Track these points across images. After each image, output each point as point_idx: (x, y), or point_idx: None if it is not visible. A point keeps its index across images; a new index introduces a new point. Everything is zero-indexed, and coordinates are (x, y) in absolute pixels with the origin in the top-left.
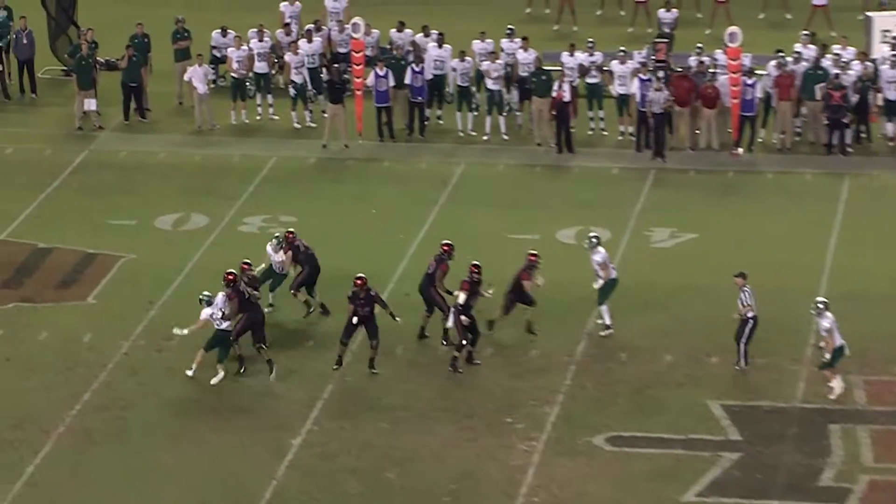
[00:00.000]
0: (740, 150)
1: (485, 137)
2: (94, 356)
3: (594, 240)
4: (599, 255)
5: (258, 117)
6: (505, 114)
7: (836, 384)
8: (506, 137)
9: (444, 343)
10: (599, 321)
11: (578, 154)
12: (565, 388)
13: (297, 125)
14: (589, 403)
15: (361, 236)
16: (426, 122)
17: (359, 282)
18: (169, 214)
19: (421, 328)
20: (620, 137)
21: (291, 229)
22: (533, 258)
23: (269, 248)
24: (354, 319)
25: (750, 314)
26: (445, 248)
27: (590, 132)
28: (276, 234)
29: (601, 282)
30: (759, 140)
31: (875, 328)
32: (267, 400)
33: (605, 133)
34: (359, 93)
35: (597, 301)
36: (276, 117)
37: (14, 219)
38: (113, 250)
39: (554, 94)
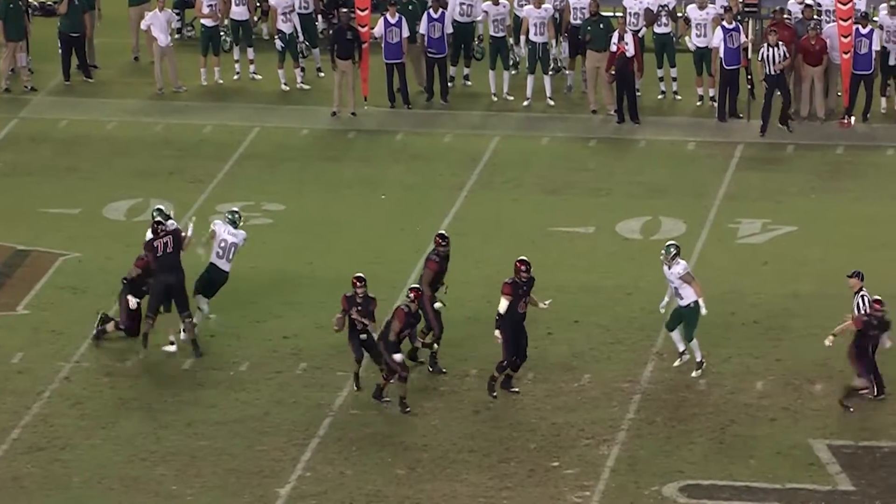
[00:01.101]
0: (853, 119)
1: (525, 103)
2: (25, 382)
3: (673, 249)
4: (681, 266)
5: (236, 77)
6: (551, 73)
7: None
8: (551, 103)
9: (431, 369)
10: (678, 360)
11: (645, 124)
12: (628, 423)
13: (285, 87)
14: (658, 443)
15: (367, 230)
16: (450, 84)
17: (357, 282)
18: (122, 201)
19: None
20: (699, 103)
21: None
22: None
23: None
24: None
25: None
26: (438, 240)
27: (660, 96)
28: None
29: (687, 302)
30: (882, 110)
31: None
32: (247, 437)
33: (679, 98)
34: (365, 45)
35: (685, 332)
36: (259, 77)
37: None
38: (50, 247)
39: (614, 47)
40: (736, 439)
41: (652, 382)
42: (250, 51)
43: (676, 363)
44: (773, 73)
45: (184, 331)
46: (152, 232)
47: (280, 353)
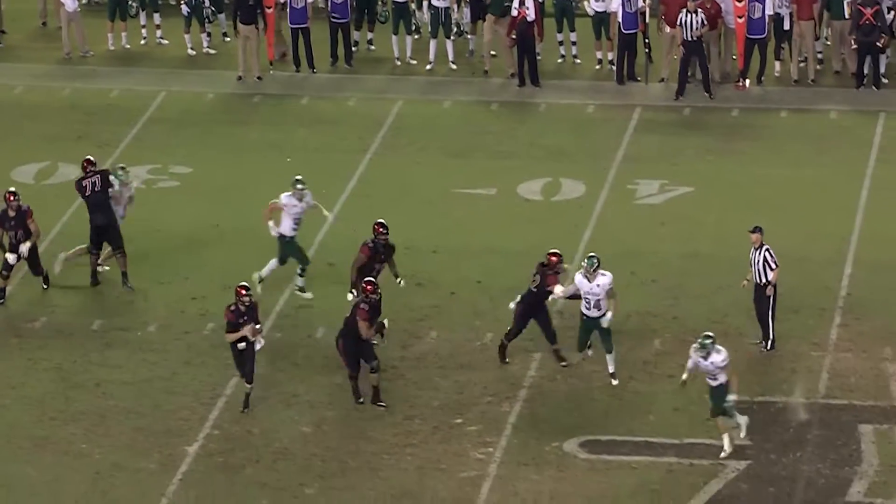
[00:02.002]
0: (747, 82)
1: (428, 67)
2: None
3: (595, 261)
4: (606, 278)
5: (143, 41)
6: (453, 37)
7: (727, 441)
8: (454, 67)
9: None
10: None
11: (545, 88)
12: (529, 380)
13: (191, 52)
14: (558, 400)
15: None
16: (354, 49)
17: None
18: (30, 164)
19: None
20: (598, 67)
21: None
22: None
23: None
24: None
25: (773, 278)
26: (377, 228)
27: (560, 60)
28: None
29: (610, 315)
30: (776, 74)
31: None
32: (155, 397)
33: (579, 62)
34: (269, 10)
35: (605, 345)
36: (166, 41)
37: None
38: None
39: (515, 12)
40: (635, 396)
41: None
42: (157, 16)
43: (612, 381)
44: (691, 38)
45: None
46: (81, 170)
47: (187, 315)
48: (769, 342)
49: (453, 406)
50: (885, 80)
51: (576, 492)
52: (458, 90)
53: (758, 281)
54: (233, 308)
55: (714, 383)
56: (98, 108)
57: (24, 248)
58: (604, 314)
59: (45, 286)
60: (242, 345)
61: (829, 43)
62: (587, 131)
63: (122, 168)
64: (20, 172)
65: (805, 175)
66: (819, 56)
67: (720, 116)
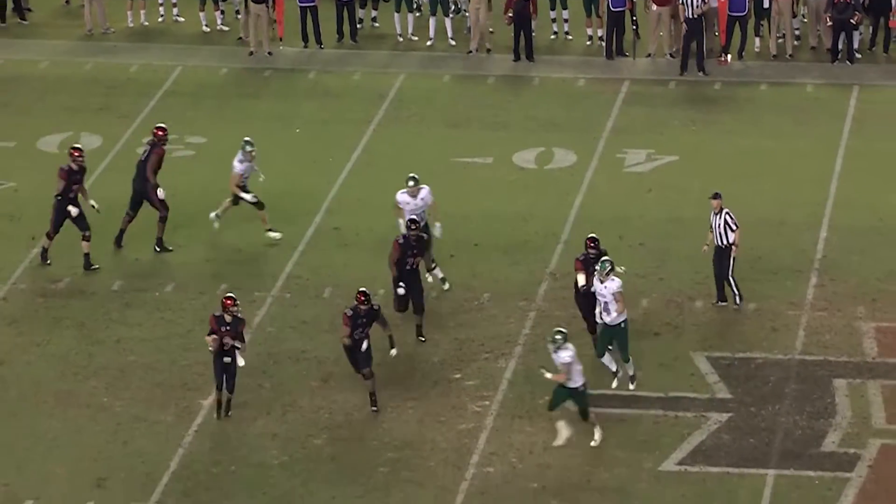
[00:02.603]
0: (729, 57)
1: (428, 43)
2: None
3: (608, 265)
4: (615, 283)
5: (160, 19)
6: (452, 15)
7: (563, 431)
8: (453, 43)
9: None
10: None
11: (539, 62)
12: (524, 338)
13: (206, 28)
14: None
15: (283, 161)
16: (359, 26)
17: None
18: (54, 135)
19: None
20: (588, 43)
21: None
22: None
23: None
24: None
25: (735, 239)
26: (409, 224)
27: (552, 37)
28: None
29: (617, 320)
30: (756, 49)
31: (889, 267)
32: (171, 353)
33: (570, 38)
34: None
35: (621, 353)
36: (182, 19)
37: None
38: None
39: None
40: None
41: (546, 300)
42: None
43: (614, 385)
44: (692, 16)
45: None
46: (153, 136)
47: (202, 276)
48: (738, 297)
49: (452, 362)
50: (858, 56)
51: (567, 442)
52: (457, 65)
53: (719, 244)
54: (217, 315)
55: (610, 320)
56: (118, 82)
57: (74, 210)
58: (619, 323)
59: (87, 239)
60: (227, 359)
61: (805, 20)
62: (578, 104)
63: (249, 143)
64: (45, 142)
65: (783, 145)
66: (796, 32)
67: (703, 89)
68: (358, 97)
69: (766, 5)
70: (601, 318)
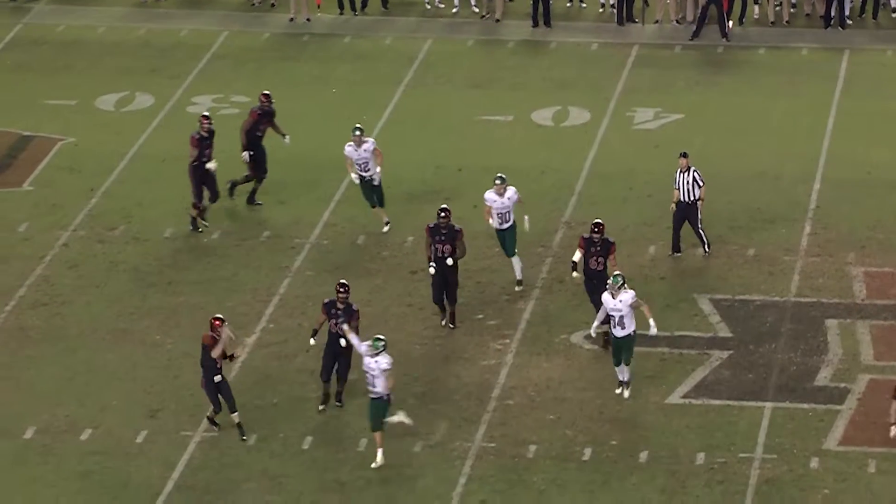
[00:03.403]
0: (730, 24)
1: (454, 10)
2: (30, 248)
3: (620, 279)
4: (629, 294)
5: None
6: None
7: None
8: (476, 10)
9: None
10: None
11: (555, 28)
12: (541, 281)
13: None
14: (566, 298)
15: (320, 119)
16: None
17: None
18: (111, 94)
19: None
20: (601, 10)
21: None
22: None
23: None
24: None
25: (702, 194)
26: (438, 213)
27: (568, 4)
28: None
29: (628, 332)
30: (755, 16)
31: (877, 217)
32: (218, 295)
33: (584, 5)
34: None
35: (624, 356)
36: None
37: None
38: (50, 133)
39: None
40: None
41: (561, 247)
42: None
43: (624, 393)
44: None
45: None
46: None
47: (246, 223)
48: (706, 246)
49: (475, 304)
50: (849, 22)
51: (581, 377)
52: (480, 30)
53: (686, 199)
54: (210, 335)
55: (622, 333)
56: (169, 46)
57: (213, 165)
58: (628, 334)
59: (211, 200)
60: (218, 378)
61: None
62: (591, 66)
63: (358, 128)
64: (102, 101)
65: (779, 104)
66: (792, 1)
67: (707, 53)
68: (389, 60)
69: None
70: (613, 331)
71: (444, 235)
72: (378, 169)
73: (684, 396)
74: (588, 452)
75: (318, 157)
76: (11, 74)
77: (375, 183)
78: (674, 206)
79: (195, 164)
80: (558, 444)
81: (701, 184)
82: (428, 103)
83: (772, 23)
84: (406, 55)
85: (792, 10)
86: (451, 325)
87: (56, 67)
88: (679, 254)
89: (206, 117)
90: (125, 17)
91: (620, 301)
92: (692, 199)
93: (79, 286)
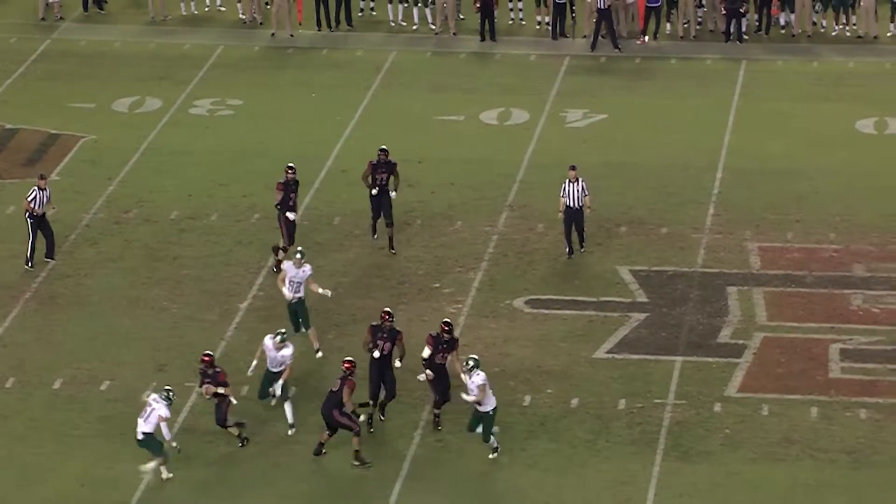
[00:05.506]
0: (646, 38)
1: (414, 27)
2: (57, 227)
3: (472, 362)
4: (480, 377)
5: (206, 9)
6: (430, 5)
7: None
8: (433, 27)
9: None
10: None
11: (500, 42)
12: (488, 255)
13: (242, 17)
14: (510, 269)
15: (302, 118)
16: (360, 13)
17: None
18: (126, 98)
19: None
20: (538, 27)
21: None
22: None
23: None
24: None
25: (589, 202)
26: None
27: (510, 22)
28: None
29: (488, 409)
30: (667, 32)
31: (768, 200)
32: (216, 268)
33: (524, 23)
34: None
35: (483, 435)
36: (224, 9)
37: None
38: (74, 131)
39: None
40: (566, 266)
41: (505, 226)
42: None
43: (491, 456)
44: (602, 7)
45: None
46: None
47: (240, 207)
48: (582, 245)
49: (433, 274)
50: (746, 37)
51: (522, 336)
52: (437, 44)
53: (575, 206)
54: (200, 369)
55: (483, 409)
56: (174, 57)
57: (292, 215)
58: (489, 411)
59: (284, 250)
60: (216, 399)
61: (705, 9)
62: (530, 74)
63: (301, 253)
64: (118, 104)
65: (688, 105)
66: (699, 19)
67: (627, 63)
68: (360, 69)
69: None
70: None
71: (387, 335)
72: (320, 290)
73: (608, 352)
74: (528, 399)
75: (301, 151)
76: (41, 82)
77: (306, 304)
78: (561, 213)
79: (278, 206)
80: (503, 392)
81: (587, 193)
82: (393, 105)
83: (681, 37)
84: (374, 65)
85: (698, 26)
86: (391, 251)
87: (79, 76)
88: (573, 255)
89: (292, 168)
90: (138, 34)
91: (472, 381)
92: (580, 205)
93: (98, 260)
